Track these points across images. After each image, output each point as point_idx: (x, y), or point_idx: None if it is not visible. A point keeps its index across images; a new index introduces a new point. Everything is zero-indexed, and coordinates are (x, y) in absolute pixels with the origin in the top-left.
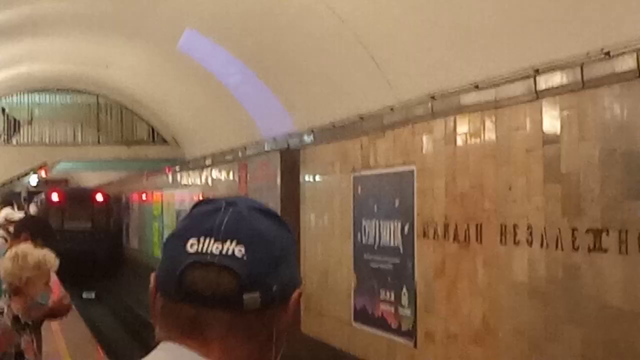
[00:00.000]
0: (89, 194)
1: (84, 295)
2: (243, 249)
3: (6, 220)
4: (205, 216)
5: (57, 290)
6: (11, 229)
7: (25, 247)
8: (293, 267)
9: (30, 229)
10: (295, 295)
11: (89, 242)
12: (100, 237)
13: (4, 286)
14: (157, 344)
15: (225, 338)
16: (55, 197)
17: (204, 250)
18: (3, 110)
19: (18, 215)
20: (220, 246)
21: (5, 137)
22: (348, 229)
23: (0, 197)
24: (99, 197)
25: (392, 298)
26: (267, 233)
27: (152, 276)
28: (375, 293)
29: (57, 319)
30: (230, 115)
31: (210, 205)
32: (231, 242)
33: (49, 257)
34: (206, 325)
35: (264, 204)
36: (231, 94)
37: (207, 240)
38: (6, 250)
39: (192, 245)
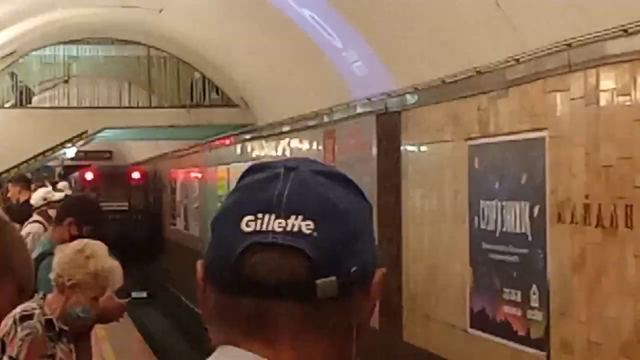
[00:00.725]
0: (124, 172)
1: (134, 294)
2: (312, 224)
3: (45, 201)
4: (261, 186)
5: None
6: (52, 212)
7: (97, 247)
8: (372, 242)
9: (77, 213)
10: (377, 277)
11: (125, 224)
12: (138, 219)
13: (52, 275)
14: (214, 348)
15: (296, 335)
16: (89, 176)
17: (264, 229)
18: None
19: (59, 195)
20: (283, 222)
21: (18, 100)
22: (462, 212)
23: (32, 174)
24: (136, 175)
25: (519, 298)
26: (339, 202)
27: (199, 264)
28: (497, 292)
29: (106, 323)
30: (314, 70)
31: (266, 172)
32: (296, 217)
33: (114, 273)
34: (272, 321)
35: (347, 174)
36: (315, 44)
37: (267, 216)
38: (47, 240)
39: (248, 224)
